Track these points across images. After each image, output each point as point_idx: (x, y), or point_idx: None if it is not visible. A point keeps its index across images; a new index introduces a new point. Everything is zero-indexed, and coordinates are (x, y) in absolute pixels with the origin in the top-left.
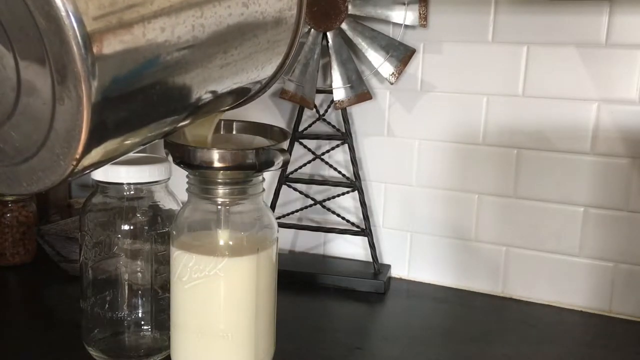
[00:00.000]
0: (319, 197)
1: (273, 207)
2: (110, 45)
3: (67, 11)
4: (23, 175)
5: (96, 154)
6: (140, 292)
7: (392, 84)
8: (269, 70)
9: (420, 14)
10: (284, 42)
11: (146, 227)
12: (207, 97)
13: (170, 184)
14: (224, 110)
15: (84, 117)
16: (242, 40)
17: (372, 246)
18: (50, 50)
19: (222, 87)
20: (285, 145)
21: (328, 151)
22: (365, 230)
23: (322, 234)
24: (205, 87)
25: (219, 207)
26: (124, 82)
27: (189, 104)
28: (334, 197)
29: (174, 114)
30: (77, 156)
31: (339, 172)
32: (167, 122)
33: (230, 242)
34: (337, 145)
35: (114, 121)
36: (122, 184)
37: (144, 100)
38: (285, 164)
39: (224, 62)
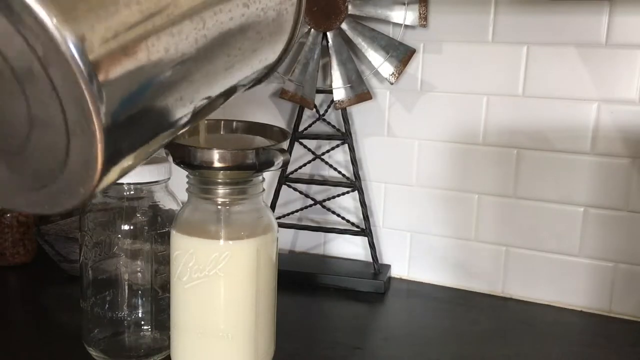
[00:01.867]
0: (319, 197)
1: (273, 207)
2: (116, 71)
3: (66, 41)
4: (43, 199)
5: (114, 173)
6: (140, 292)
7: (392, 84)
8: (272, 58)
9: (420, 14)
10: (287, 29)
11: (146, 227)
12: (216, 95)
13: (170, 184)
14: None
15: (98, 143)
16: (244, 40)
17: (372, 246)
18: (56, 82)
19: (228, 84)
20: (285, 145)
21: (328, 151)
22: (365, 230)
23: (322, 234)
24: (212, 89)
25: (219, 207)
26: (133, 102)
27: (198, 108)
28: (334, 197)
29: (184, 120)
30: (96, 182)
31: (339, 172)
32: (178, 128)
33: (230, 242)
34: (337, 145)
35: (127, 141)
36: (122, 184)
37: (155, 115)
38: (285, 164)
39: (228, 65)
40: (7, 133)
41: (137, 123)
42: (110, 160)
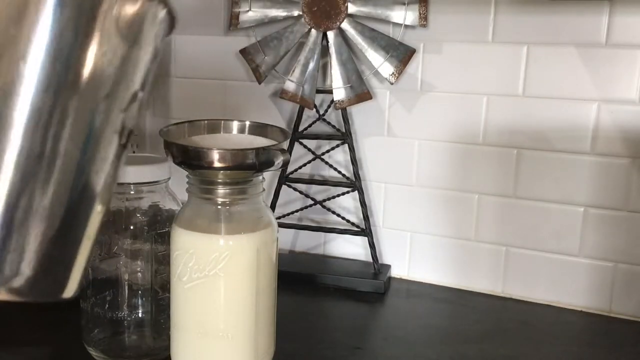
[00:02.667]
0: (319, 197)
1: (273, 207)
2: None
3: None
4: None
5: (79, 271)
6: (140, 292)
7: (392, 84)
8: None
9: (420, 14)
10: None
11: (146, 227)
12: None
13: (170, 184)
14: None
15: (39, 291)
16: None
17: (372, 246)
18: None
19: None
20: (285, 145)
21: (328, 151)
22: (365, 230)
23: (322, 234)
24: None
25: (219, 207)
26: (47, 238)
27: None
28: (334, 197)
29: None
30: (66, 295)
31: (339, 172)
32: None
33: (230, 242)
34: (337, 145)
35: (67, 250)
36: (122, 184)
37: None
38: (285, 164)
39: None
40: None
41: (64, 237)
42: (63, 281)
